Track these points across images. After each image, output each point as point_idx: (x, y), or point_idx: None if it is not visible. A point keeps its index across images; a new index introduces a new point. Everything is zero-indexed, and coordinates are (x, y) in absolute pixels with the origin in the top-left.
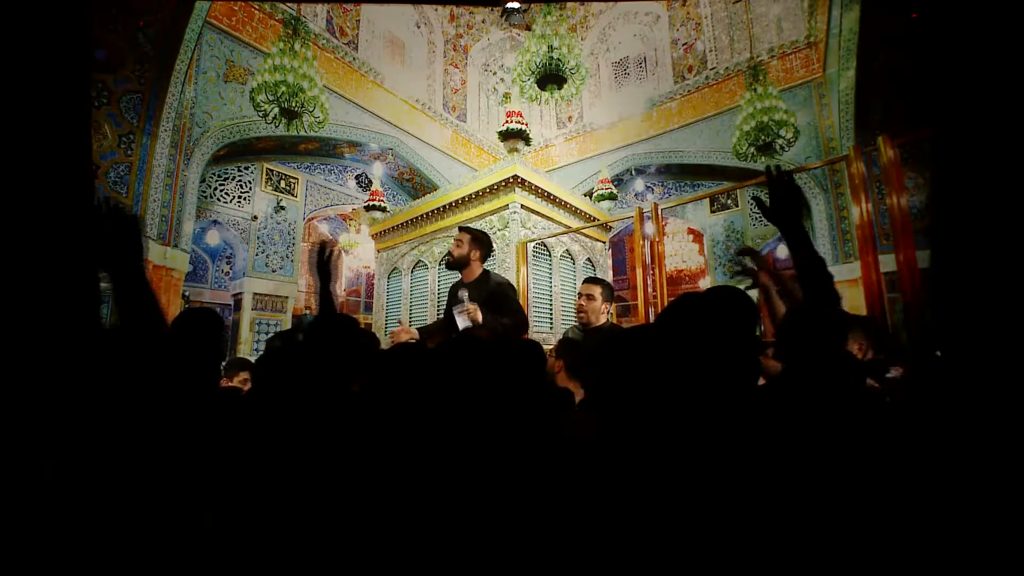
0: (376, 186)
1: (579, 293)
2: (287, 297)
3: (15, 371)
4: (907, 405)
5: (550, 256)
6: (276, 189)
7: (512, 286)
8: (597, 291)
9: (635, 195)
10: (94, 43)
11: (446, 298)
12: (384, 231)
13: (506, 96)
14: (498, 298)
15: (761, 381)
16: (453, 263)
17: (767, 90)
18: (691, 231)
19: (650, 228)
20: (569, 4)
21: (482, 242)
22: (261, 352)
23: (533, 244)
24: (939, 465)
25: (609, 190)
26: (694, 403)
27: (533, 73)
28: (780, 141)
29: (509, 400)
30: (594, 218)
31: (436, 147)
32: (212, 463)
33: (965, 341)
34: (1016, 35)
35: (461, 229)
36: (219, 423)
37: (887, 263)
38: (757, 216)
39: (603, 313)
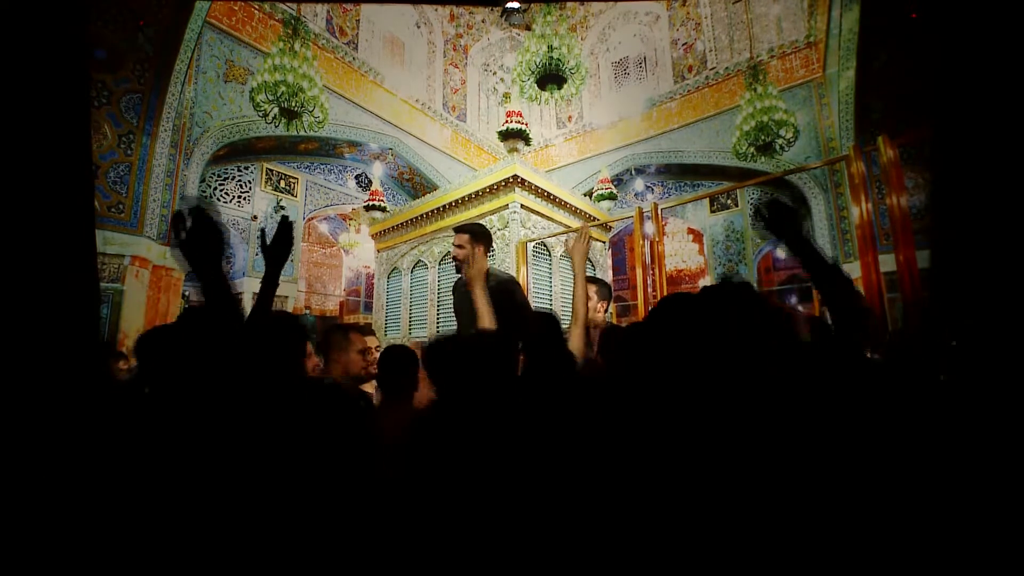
0: (376, 186)
1: None
2: (287, 297)
3: (13, 371)
4: (909, 400)
5: (550, 256)
6: (276, 189)
7: (516, 282)
8: (592, 290)
9: (635, 195)
10: (94, 43)
11: (448, 297)
12: (384, 231)
13: (506, 96)
14: (503, 298)
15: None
16: (460, 267)
17: (767, 90)
18: (691, 231)
19: (650, 228)
20: (569, 4)
21: (483, 236)
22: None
23: (533, 244)
24: (941, 462)
25: (609, 190)
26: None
27: (533, 73)
28: (780, 141)
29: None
30: (594, 218)
31: (436, 147)
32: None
33: (965, 340)
34: (1015, 35)
35: (458, 230)
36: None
37: (887, 263)
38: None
39: (599, 312)
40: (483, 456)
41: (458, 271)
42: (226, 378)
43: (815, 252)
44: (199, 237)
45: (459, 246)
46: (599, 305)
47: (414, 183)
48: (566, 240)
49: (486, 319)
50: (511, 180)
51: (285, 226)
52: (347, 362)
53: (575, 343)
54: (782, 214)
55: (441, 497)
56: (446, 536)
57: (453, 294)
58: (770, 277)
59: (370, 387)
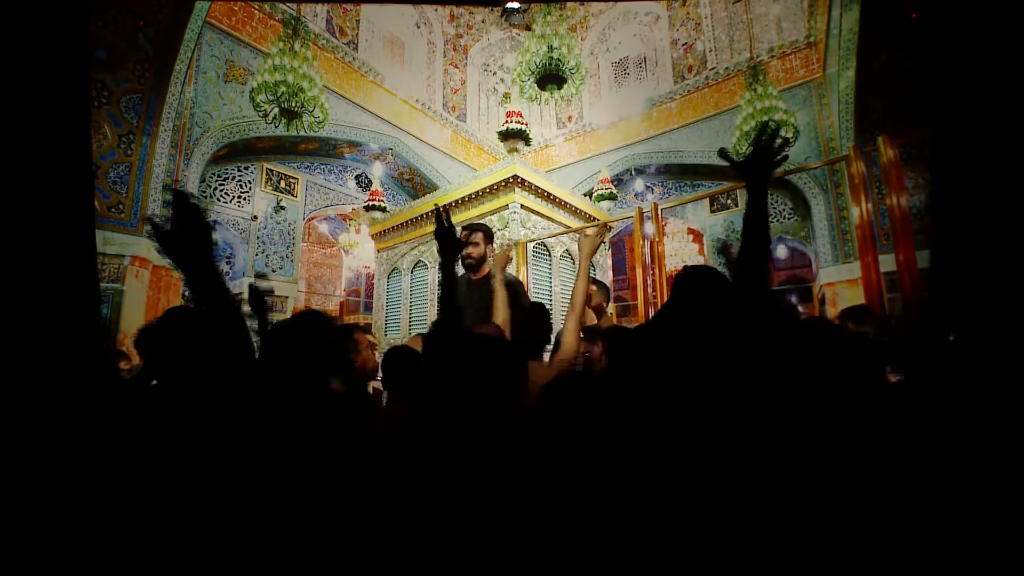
0: (376, 186)
1: None
2: (287, 297)
3: (14, 371)
4: (907, 400)
5: (550, 256)
6: (276, 189)
7: (520, 282)
8: (594, 292)
9: (635, 195)
10: (94, 43)
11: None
12: (384, 231)
13: (506, 96)
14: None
15: None
16: (474, 264)
17: (767, 90)
18: (691, 231)
19: (650, 228)
20: (569, 4)
21: (491, 235)
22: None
23: (533, 244)
24: (939, 460)
25: (609, 190)
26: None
27: (533, 73)
28: (780, 141)
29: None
30: (594, 218)
31: (436, 147)
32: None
33: (965, 339)
34: (1015, 35)
35: (473, 228)
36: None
37: (887, 263)
38: None
39: (603, 311)
40: (470, 458)
41: (468, 269)
42: (238, 379)
43: (765, 209)
44: (184, 232)
45: (475, 244)
46: (601, 304)
47: (414, 183)
48: (581, 235)
49: (502, 313)
50: (511, 180)
51: (181, 202)
52: (363, 360)
53: (570, 332)
54: (773, 153)
55: (432, 496)
56: (438, 535)
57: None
58: (770, 277)
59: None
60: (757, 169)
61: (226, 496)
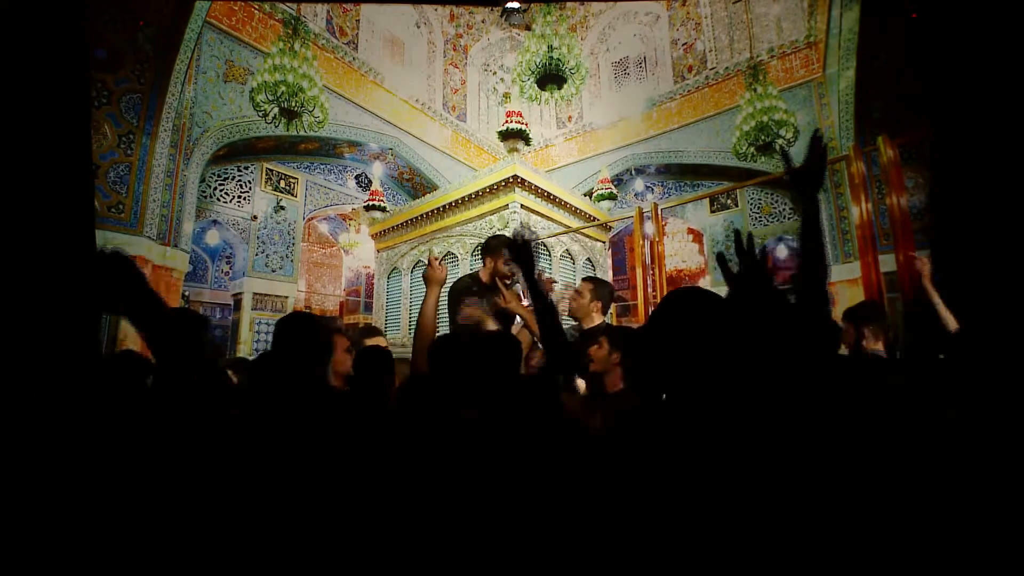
0: (376, 186)
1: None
2: (287, 297)
3: (14, 371)
4: (908, 401)
5: (550, 256)
6: (276, 189)
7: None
8: (587, 289)
9: (635, 195)
10: (94, 43)
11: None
12: (384, 231)
13: (506, 96)
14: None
15: None
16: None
17: (767, 90)
18: (691, 231)
19: (650, 228)
20: (569, 4)
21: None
22: (261, 351)
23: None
24: (939, 461)
25: (609, 190)
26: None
27: (533, 73)
28: (780, 141)
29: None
30: (594, 218)
31: (436, 147)
32: (204, 461)
33: (965, 339)
34: (1014, 36)
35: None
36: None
37: (887, 263)
38: (757, 216)
39: (595, 312)
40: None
41: (511, 286)
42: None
43: (818, 221)
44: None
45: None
46: (593, 304)
47: (414, 183)
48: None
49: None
50: (511, 180)
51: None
52: (334, 362)
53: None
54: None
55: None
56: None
57: (459, 298)
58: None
59: None
60: (809, 180)
61: (225, 494)
